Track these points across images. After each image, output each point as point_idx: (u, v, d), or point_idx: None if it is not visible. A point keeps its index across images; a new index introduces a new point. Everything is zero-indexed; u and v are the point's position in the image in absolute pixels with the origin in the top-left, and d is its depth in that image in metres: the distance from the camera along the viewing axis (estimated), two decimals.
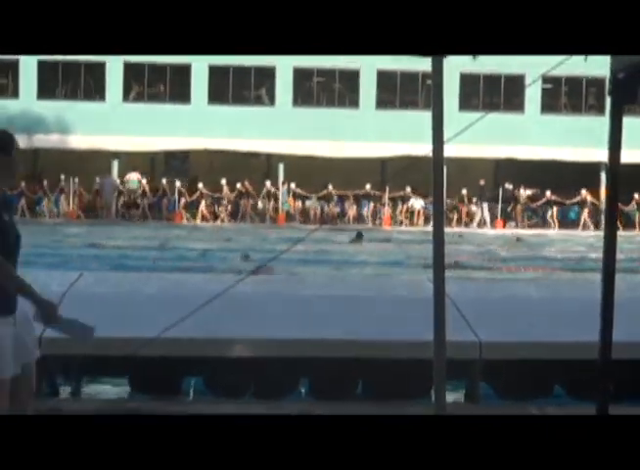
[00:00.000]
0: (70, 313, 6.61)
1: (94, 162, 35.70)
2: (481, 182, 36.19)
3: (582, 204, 36.69)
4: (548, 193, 36.55)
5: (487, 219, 36.19)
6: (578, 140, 36.49)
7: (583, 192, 36.25)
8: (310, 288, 7.56)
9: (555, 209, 36.89)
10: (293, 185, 36.55)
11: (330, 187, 36.38)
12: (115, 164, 36.48)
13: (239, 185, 35.94)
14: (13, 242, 4.28)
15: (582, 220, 36.19)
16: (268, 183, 36.40)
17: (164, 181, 36.11)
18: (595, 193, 35.72)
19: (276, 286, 7.52)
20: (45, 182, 35.97)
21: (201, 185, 36.05)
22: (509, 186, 37.07)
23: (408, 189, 36.10)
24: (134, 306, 6.87)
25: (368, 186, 36.32)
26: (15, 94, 37.02)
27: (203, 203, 35.92)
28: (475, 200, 36.86)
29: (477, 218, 36.33)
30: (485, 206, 36.50)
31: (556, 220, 36.63)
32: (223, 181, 35.94)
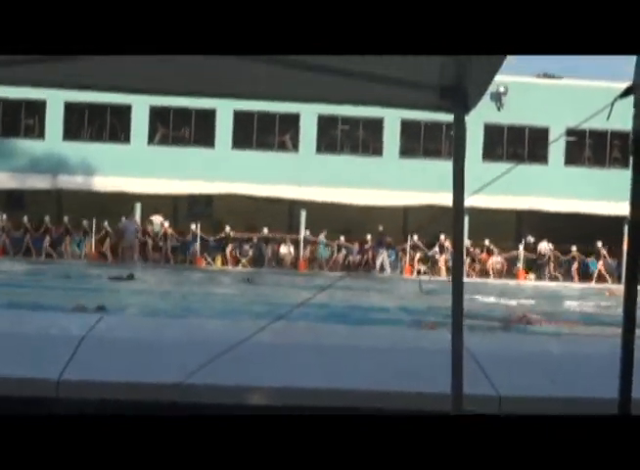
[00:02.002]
0: (89, 358, 6.63)
1: (117, 203, 35.89)
2: (380, 228, 35.99)
3: (599, 257, 36.68)
4: (574, 248, 36.47)
5: (387, 266, 35.77)
6: (602, 193, 36.46)
7: (599, 245, 36.22)
8: (330, 338, 7.55)
9: (576, 262, 36.86)
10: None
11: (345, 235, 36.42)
12: (139, 207, 36.64)
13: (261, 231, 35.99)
14: None
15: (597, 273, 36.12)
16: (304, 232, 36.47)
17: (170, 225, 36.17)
18: (618, 246, 35.69)
19: (296, 335, 7.51)
20: (66, 223, 36.11)
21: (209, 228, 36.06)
22: (531, 238, 37.05)
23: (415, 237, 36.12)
24: (153, 351, 6.87)
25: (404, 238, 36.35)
26: (41, 135, 37.37)
27: (229, 247, 36.01)
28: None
29: (377, 264, 35.97)
30: (384, 252, 36.11)
31: (575, 273, 36.59)
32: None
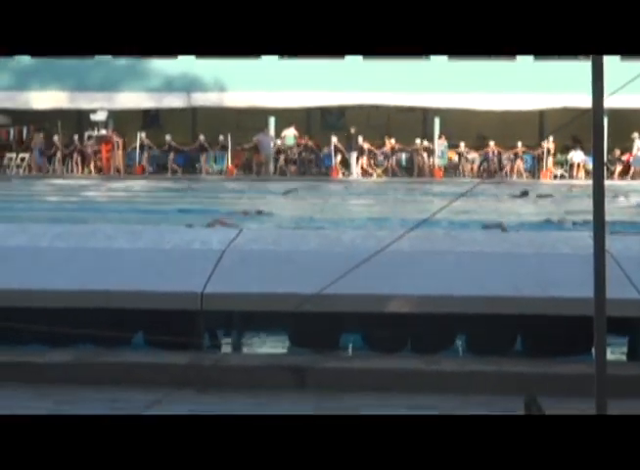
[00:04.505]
0: (230, 270, 6.76)
1: (251, 118, 36.14)
2: (352, 130, 34.77)
3: None
4: None
5: (355, 169, 34.63)
6: None
7: None
8: (467, 245, 7.51)
9: None
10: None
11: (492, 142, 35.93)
12: (272, 121, 36.80)
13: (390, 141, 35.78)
14: None
15: None
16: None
17: (308, 140, 36.28)
18: None
19: (432, 243, 7.50)
20: (203, 140, 36.60)
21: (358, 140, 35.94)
22: None
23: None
24: (292, 263, 6.97)
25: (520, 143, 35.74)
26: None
27: (363, 157, 35.93)
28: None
29: (352, 169, 34.88)
30: (354, 155, 34.85)
31: None
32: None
